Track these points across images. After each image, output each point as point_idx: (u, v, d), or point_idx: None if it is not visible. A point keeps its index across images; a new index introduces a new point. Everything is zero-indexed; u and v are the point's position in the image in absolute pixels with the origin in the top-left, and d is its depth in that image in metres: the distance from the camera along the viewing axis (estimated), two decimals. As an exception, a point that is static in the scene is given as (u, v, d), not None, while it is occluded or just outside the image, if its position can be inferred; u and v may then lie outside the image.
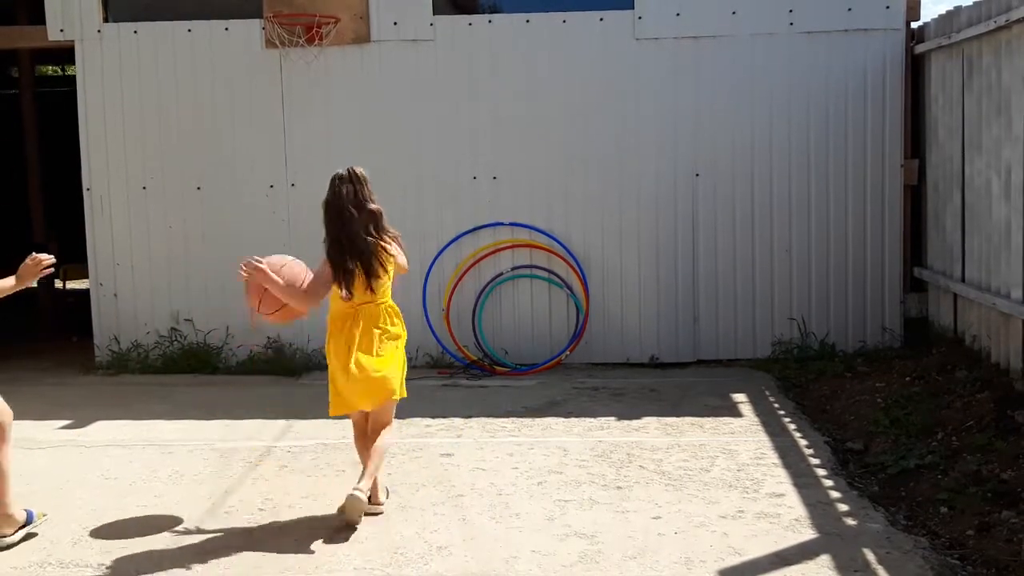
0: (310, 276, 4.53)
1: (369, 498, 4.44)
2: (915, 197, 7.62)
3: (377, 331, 4.50)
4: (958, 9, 6.70)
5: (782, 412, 6.22)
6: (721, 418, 6.10)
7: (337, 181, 4.55)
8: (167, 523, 4.53)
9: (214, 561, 4.09)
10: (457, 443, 5.67)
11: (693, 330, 7.70)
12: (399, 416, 6.22)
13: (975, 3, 6.42)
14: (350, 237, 4.44)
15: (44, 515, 4.53)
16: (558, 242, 7.66)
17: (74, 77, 7.95)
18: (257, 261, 4.44)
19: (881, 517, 4.43)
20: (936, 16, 7.21)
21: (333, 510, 4.62)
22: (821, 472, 5.06)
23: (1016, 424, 5.13)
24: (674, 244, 7.65)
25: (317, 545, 4.23)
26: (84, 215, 7.88)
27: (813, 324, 7.62)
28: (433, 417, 6.23)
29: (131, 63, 7.76)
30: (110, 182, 7.84)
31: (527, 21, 7.62)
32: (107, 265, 7.87)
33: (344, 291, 4.44)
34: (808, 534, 4.26)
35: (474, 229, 7.70)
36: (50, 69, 15.29)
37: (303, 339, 7.79)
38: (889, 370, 6.78)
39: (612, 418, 6.17)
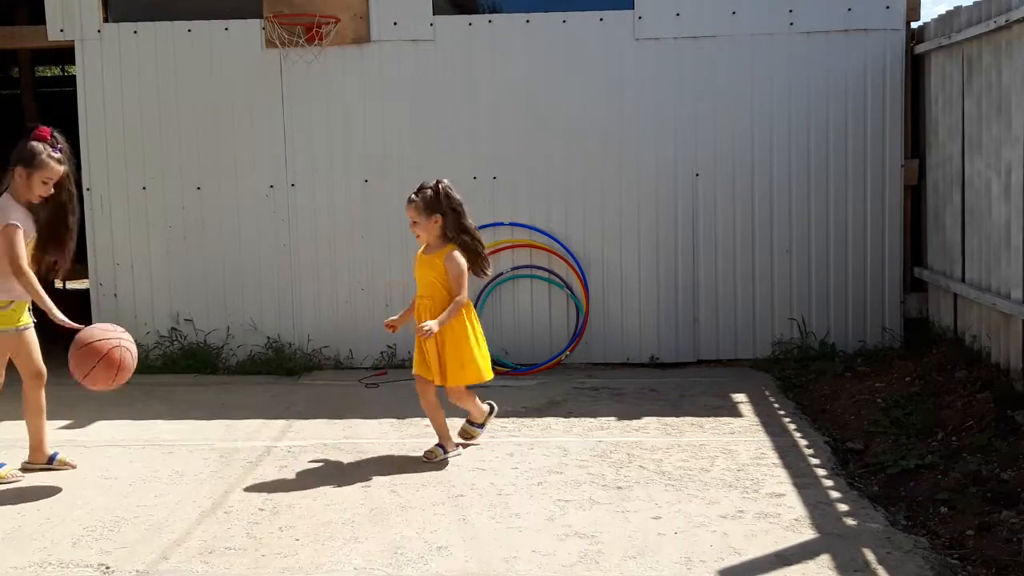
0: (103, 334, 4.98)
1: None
2: (915, 197, 7.62)
3: None
4: (958, 9, 6.70)
5: (782, 412, 6.22)
6: (721, 418, 6.11)
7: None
8: (167, 523, 4.53)
9: (214, 561, 4.09)
10: (457, 443, 5.67)
11: (693, 330, 7.70)
12: (399, 415, 6.25)
13: (975, 3, 6.42)
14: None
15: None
16: (558, 242, 7.66)
17: (74, 77, 7.95)
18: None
19: (881, 517, 4.43)
20: (936, 16, 7.21)
21: (333, 510, 4.63)
22: (821, 472, 5.06)
23: (1016, 424, 5.14)
24: (674, 244, 7.65)
25: (317, 545, 4.23)
26: (84, 215, 7.88)
27: (813, 324, 7.62)
28: (433, 417, 6.24)
29: (131, 63, 7.76)
30: (110, 182, 7.84)
31: (527, 21, 7.62)
32: (107, 265, 7.87)
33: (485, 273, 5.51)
34: (808, 534, 4.26)
35: (474, 229, 7.70)
36: (52, 70, 15.28)
37: (303, 339, 7.80)
38: (889, 370, 6.78)
39: (612, 418, 6.17)
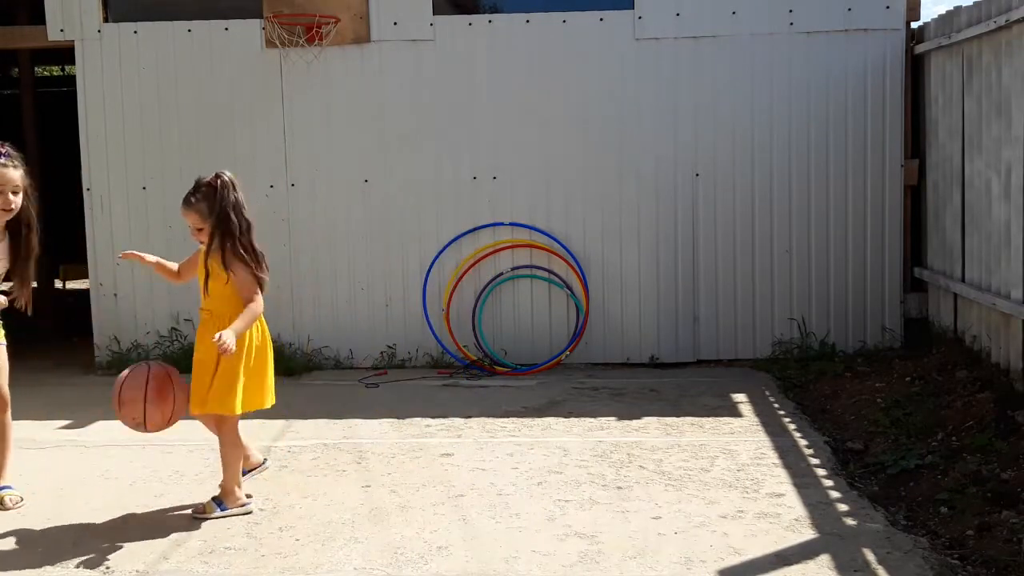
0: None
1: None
2: (915, 197, 7.63)
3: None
4: (958, 9, 6.70)
5: (782, 412, 6.22)
6: (721, 418, 6.11)
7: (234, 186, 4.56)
8: (167, 523, 4.53)
9: (214, 561, 4.09)
10: (457, 443, 5.67)
11: (693, 330, 7.70)
12: (399, 415, 6.24)
13: (975, 3, 6.42)
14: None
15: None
16: (558, 242, 7.66)
17: (74, 77, 7.95)
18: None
19: (881, 517, 4.43)
20: (936, 16, 7.21)
21: (333, 510, 4.63)
22: (821, 472, 5.06)
23: (1016, 424, 5.13)
24: (674, 244, 7.66)
25: (317, 545, 4.23)
26: (84, 215, 7.88)
27: (813, 324, 7.62)
28: (433, 417, 6.24)
29: (131, 63, 7.77)
30: (110, 182, 7.84)
31: (527, 21, 7.62)
32: (107, 265, 7.87)
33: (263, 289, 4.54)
34: (808, 534, 4.26)
35: (474, 229, 7.70)
36: (53, 70, 15.28)
37: (303, 339, 7.80)
38: (889, 370, 6.79)
39: (612, 418, 6.17)
